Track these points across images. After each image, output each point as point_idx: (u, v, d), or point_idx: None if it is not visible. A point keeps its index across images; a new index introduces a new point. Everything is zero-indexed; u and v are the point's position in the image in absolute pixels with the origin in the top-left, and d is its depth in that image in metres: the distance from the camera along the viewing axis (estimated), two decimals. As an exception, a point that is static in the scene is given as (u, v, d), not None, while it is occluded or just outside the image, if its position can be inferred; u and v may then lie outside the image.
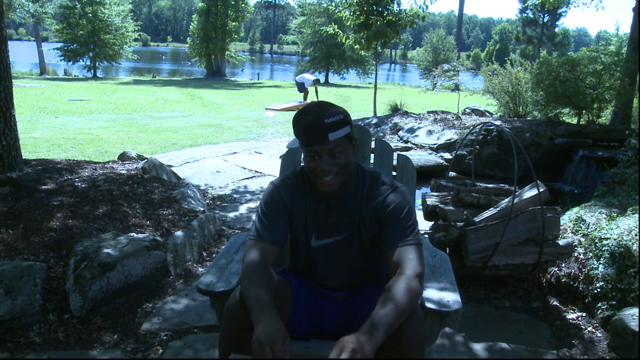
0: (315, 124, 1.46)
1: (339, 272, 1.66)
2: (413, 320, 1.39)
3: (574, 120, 8.02)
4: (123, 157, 4.89)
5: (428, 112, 9.38)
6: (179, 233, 3.18)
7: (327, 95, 18.32)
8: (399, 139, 8.06)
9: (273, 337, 1.26)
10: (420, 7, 9.01)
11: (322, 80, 16.35)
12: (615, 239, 2.76)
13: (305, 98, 14.34)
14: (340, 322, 1.63)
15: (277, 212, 1.59)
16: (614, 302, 2.55)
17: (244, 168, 5.72)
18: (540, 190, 2.86)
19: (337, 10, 9.94)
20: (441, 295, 1.60)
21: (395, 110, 9.96)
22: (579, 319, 2.69)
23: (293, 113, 11.29)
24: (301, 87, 14.47)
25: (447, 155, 6.87)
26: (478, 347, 2.39)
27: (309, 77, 14.61)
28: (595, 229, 2.99)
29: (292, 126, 1.54)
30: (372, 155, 2.23)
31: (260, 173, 5.55)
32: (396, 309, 1.33)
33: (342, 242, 1.62)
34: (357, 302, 1.64)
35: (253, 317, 1.35)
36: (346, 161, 1.51)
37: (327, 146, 1.46)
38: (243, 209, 4.31)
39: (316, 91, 14.17)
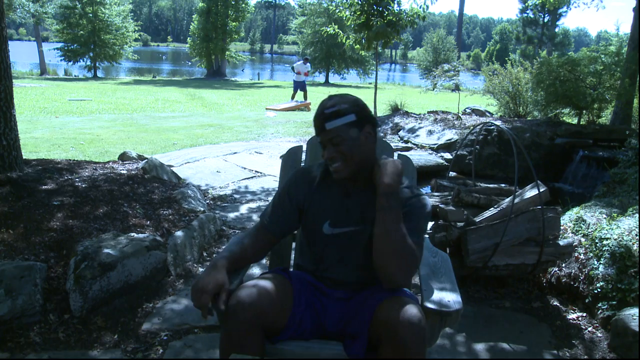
0: (318, 115, 1.57)
1: (346, 265, 1.65)
2: (413, 321, 1.39)
3: (574, 121, 8.02)
4: (123, 157, 4.89)
5: (428, 112, 9.37)
6: (179, 233, 3.18)
7: (327, 95, 18.31)
8: (399, 139, 8.06)
9: (204, 286, 1.42)
10: (420, 7, 9.01)
11: (311, 69, 16.37)
12: (615, 239, 2.76)
13: (304, 97, 14.30)
14: (341, 322, 1.63)
15: (285, 204, 1.68)
16: (614, 302, 2.55)
17: (245, 168, 5.72)
18: (541, 191, 2.86)
19: (337, 10, 9.93)
20: (441, 295, 1.60)
21: (396, 110, 9.96)
22: (580, 319, 2.69)
23: (293, 113, 11.37)
24: (300, 86, 14.32)
25: (448, 155, 6.86)
26: (478, 348, 2.39)
27: (300, 65, 14.44)
28: (596, 229, 2.99)
29: None
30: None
31: (261, 173, 5.55)
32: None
33: (356, 233, 1.62)
34: (358, 302, 1.64)
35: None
36: (349, 149, 1.54)
37: (326, 135, 1.54)
38: (243, 209, 4.31)
39: (304, 94, 14.09)
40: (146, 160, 4.41)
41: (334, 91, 20.50)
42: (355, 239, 1.62)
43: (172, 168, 4.88)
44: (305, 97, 14.50)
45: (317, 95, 17.73)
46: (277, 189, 1.87)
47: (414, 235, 1.54)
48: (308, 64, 15.02)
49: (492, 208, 3.01)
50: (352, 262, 1.65)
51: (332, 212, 1.64)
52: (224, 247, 1.64)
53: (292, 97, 14.45)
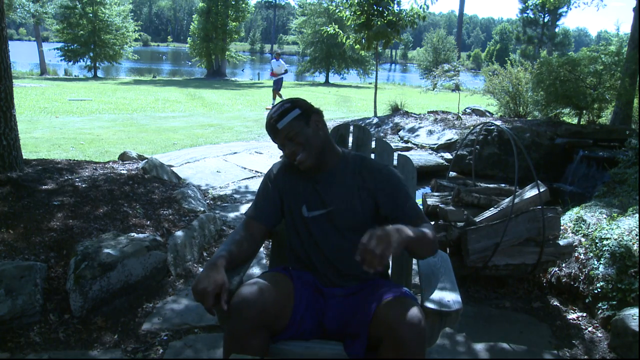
0: (268, 122, 1.68)
1: (333, 245, 1.69)
2: (413, 321, 1.39)
3: (575, 121, 8.02)
4: (123, 157, 4.89)
5: (428, 112, 9.37)
6: (179, 233, 3.18)
7: (327, 95, 18.32)
8: (399, 139, 8.06)
9: (205, 287, 1.43)
10: (420, 7, 9.01)
11: (287, 69, 14.75)
12: (615, 239, 2.76)
13: (275, 95, 13.63)
14: (340, 321, 1.63)
15: (268, 192, 1.78)
16: (614, 302, 2.55)
17: (245, 168, 5.72)
18: (541, 190, 2.86)
19: (337, 10, 9.94)
20: (441, 295, 1.60)
21: (396, 110, 9.96)
22: (580, 319, 2.69)
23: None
24: (275, 84, 13.70)
25: (448, 155, 6.87)
26: (478, 347, 2.39)
27: (274, 63, 13.73)
28: (596, 229, 2.99)
29: None
30: (372, 155, 2.23)
31: (261, 173, 5.55)
32: (421, 230, 1.54)
33: (331, 213, 1.70)
34: (358, 301, 1.64)
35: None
36: (305, 138, 1.65)
37: (281, 135, 1.65)
38: (244, 209, 4.31)
39: (274, 94, 13.55)
40: (146, 160, 4.41)
41: (334, 91, 20.52)
42: (333, 219, 1.70)
43: (172, 168, 4.88)
44: (274, 97, 13.74)
45: (316, 95, 17.74)
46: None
47: (414, 209, 1.68)
48: (281, 60, 14.05)
49: (492, 208, 3.01)
50: (335, 241, 1.70)
51: (307, 197, 1.74)
52: (220, 245, 1.65)
53: (274, 98, 13.81)
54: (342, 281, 1.70)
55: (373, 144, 2.16)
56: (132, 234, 2.88)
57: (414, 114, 9.35)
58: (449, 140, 7.35)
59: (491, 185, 3.44)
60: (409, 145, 7.62)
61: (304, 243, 1.74)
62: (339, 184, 1.71)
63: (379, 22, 9.07)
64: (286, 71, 14.23)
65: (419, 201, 3.52)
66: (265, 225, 1.76)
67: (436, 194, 3.37)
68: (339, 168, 1.73)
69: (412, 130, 8.13)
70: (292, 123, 1.64)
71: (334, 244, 1.70)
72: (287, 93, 17.67)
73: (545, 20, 32.82)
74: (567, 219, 3.37)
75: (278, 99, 13.69)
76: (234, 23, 27.34)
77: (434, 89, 12.04)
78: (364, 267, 1.35)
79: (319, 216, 1.72)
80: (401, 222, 1.64)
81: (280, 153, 1.74)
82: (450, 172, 5.76)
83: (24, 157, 3.92)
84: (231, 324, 1.46)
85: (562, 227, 3.11)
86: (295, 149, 1.65)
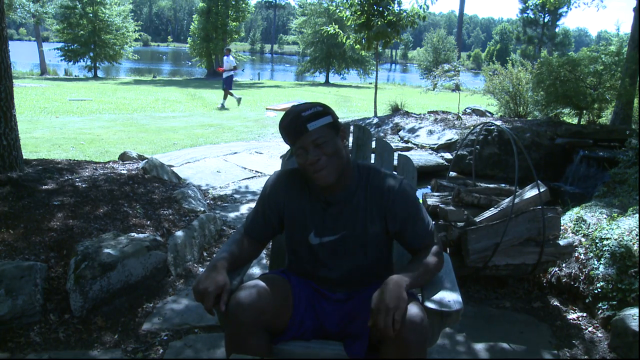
0: (294, 120, 1.49)
1: (341, 269, 1.65)
2: (415, 321, 1.39)
3: (575, 121, 8.02)
4: (123, 157, 4.89)
5: (429, 112, 9.37)
6: (179, 233, 3.18)
7: (327, 95, 18.31)
8: (399, 139, 8.05)
9: (206, 288, 1.42)
10: (421, 7, 9.02)
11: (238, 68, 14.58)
12: (615, 239, 2.76)
13: (227, 95, 13.14)
14: (341, 323, 1.63)
15: (266, 207, 1.68)
16: (614, 303, 2.55)
17: (245, 168, 5.72)
18: (541, 190, 2.86)
19: (337, 11, 9.95)
20: (442, 295, 1.60)
21: (396, 110, 9.96)
22: (580, 319, 2.69)
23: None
24: (226, 82, 13.14)
25: (448, 155, 6.87)
26: (479, 347, 2.39)
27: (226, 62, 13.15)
28: (596, 229, 2.99)
29: (280, 133, 1.56)
30: (372, 155, 2.23)
31: (261, 173, 5.55)
32: (421, 264, 1.55)
33: (343, 239, 1.61)
34: (357, 303, 1.64)
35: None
36: (334, 150, 1.50)
37: (309, 137, 1.47)
38: (244, 209, 4.32)
39: (225, 93, 13.02)
40: (146, 160, 4.41)
41: (334, 91, 20.51)
42: (344, 245, 1.62)
43: (172, 168, 4.88)
44: (225, 96, 13.05)
45: (316, 96, 17.74)
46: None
47: (425, 228, 1.61)
48: (231, 56, 13.33)
49: (492, 208, 3.00)
50: (344, 265, 1.64)
51: (316, 222, 1.62)
52: (222, 246, 1.64)
53: (225, 97, 13.11)
54: (343, 288, 1.69)
55: (373, 144, 2.16)
56: (132, 234, 2.88)
57: (414, 114, 9.35)
58: (449, 140, 7.34)
59: (491, 185, 3.44)
60: (409, 145, 7.62)
61: (304, 263, 1.69)
62: (352, 207, 1.59)
63: (379, 22, 9.08)
64: (236, 67, 13.61)
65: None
66: (257, 241, 1.70)
67: (436, 194, 3.37)
68: (352, 189, 1.60)
69: (412, 130, 8.13)
70: (323, 129, 1.48)
71: (342, 266, 1.64)
72: (287, 93, 17.67)
73: (546, 20, 32.87)
74: (567, 219, 3.37)
75: (230, 99, 13.29)
76: (234, 23, 27.37)
77: (434, 89, 12.04)
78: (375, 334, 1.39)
79: (328, 242, 1.62)
80: (410, 242, 1.64)
81: (280, 153, 1.71)
82: (451, 172, 5.76)
83: (24, 157, 3.92)
84: (228, 327, 1.47)
85: (562, 227, 3.11)
86: (317, 158, 1.48)
